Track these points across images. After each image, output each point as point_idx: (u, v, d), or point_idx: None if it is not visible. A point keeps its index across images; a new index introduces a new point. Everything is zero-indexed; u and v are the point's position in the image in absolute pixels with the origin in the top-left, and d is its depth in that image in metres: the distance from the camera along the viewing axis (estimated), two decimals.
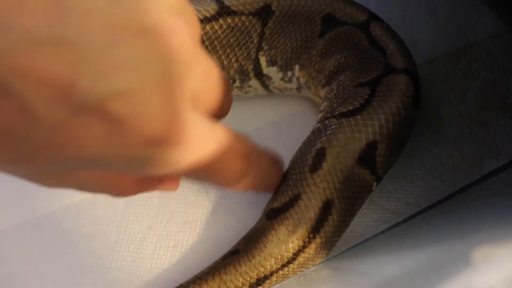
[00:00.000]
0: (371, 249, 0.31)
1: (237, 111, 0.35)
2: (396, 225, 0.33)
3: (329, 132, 0.29)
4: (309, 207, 0.28)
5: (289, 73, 0.35)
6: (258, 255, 0.27)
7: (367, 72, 0.32)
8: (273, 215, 0.28)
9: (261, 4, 0.33)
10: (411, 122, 0.31)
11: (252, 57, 0.34)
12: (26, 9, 0.15)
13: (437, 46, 0.39)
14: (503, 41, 0.39)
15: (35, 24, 0.15)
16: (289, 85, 0.35)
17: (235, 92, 0.35)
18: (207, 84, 0.22)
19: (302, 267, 0.29)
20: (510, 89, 0.37)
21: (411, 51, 0.38)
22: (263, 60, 0.34)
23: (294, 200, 0.28)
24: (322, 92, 0.34)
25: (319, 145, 0.29)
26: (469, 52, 0.39)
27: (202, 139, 0.21)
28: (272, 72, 0.35)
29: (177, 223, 0.33)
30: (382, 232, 0.32)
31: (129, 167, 0.19)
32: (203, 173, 0.22)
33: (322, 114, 0.32)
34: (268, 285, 0.28)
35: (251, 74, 0.35)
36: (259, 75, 0.35)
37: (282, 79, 0.35)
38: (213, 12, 0.32)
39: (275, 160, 0.28)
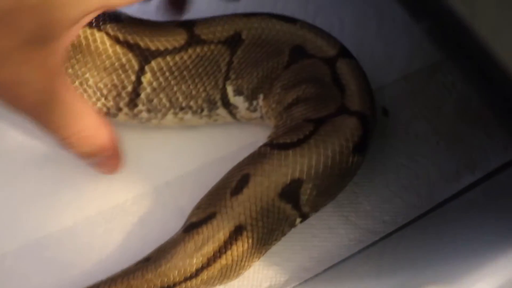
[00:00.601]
0: (348, 271, 0.32)
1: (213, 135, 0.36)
2: (373, 244, 0.33)
3: (259, 160, 0.30)
4: (220, 227, 0.28)
5: (254, 103, 0.35)
6: (164, 265, 0.28)
7: (320, 108, 0.32)
8: (189, 229, 0.29)
9: (231, 32, 0.33)
10: (350, 167, 0.30)
11: (220, 87, 0.34)
12: None
13: (413, 61, 0.39)
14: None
15: None
16: (253, 115, 0.35)
17: (204, 120, 0.35)
18: None
19: (206, 285, 0.30)
20: (485, 103, 0.37)
21: (387, 67, 0.39)
22: (230, 90, 0.34)
23: (209, 218, 0.29)
24: (276, 121, 0.34)
25: (245, 171, 0.30)
26: (444, 66, 0.39)
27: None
28: (238, 101, 0.34)
29: (153, 247, 0.33)
30: (359, 251, 0.32)
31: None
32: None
33: (268, 139, 0.32)
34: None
35: (219, 103, 0.34)
36: (226, 104, 0.35)
37: (248, 108, 0.35)
38: (182, 41, 0.32)
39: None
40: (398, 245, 0.33)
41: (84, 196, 0.35)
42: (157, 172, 0.35)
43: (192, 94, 0.34)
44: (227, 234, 0.28)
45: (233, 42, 0.33)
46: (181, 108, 0.34)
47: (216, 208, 0.29)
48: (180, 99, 0.34)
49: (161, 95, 0.33)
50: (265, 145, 0.31)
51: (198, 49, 0.32)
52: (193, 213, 0.31)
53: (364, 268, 0.32)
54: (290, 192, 0.29)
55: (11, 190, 0.35)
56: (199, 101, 0.34)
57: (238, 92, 0.34)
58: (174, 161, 0.35)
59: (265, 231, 0.30)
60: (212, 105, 0.34)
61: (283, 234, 0.31)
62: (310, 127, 0.30)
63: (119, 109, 0.33)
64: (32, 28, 0.24)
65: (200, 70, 0.33)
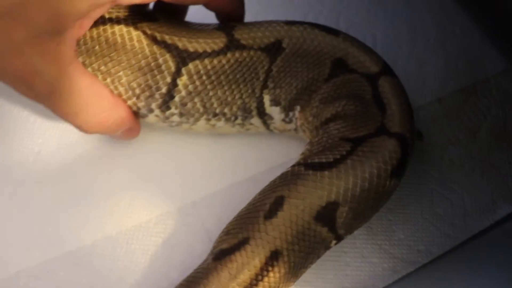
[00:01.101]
0: None
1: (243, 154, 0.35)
2: (407, 275, 0.31)
3: (293, 181, 0.28)
4: (256, 253, 0.27)
5: (290, 114, 0.33)
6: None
7: (358, 127, 0.30)
8: (220, 256, 0.27)
9: (272, 39, 0.32)
10: (386, 190, 0.29)
11: (256, 95, 0.32)
12: None
13: (447, 83, 0.38)
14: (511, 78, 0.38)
15: None
16: (288, 126, 0.34)
17: (236, 128, 0.34)
18: None
19: None
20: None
21: (420, 88, 0.37)
22: (267, 99, 0.33)
23: (242, 243, 0.27)
24: (312, 135, 0.33)
25: (279, 192, 0.28)
26: (478, 88, 0.38)
27: None
28: (274, 112, 0.33)
29: (181, 273, 0.31)
30: (393, 283, 0.31)
31: None
32: None
33: (301, 157, 0.31)
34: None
35: (254, 112, 0.33)
36: (262, 114, 0.33)
37: (283, 120, 0.34)
38: (221, 45, 0.31)
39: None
40: (432, 277, 0.32)
41: (104, 213, 0.33)
42: (183, 191, 0.33)
43: (227, 100, 0.32)
44: (263, 260, 0.27)
45: (273, 49, 0.32)
46: (215, 115, 0.33)
47: (249, 233, 0.27)
48: (215, 105, 0.32)
49: (196, 100, 0.32)
50: (299, 164, 0.29)
51: (237, 54, 0.31)
52: (221, 239, 0.29)
53: None
54: (326, 215, 0.28)
55: (28, 206, 0.33)
56: (234, 109, 0.33)
57: (275, 102, 0.33)
58: (201, 180, 0.34)
59: (301, 255, 0.28)
60: (247, 114, 0.33)
61: (318, 257, 0.29)
62: (347, 146, 0.29)
63: (151, 110, 0.32)
64: (42, 21, 0.25)
65: (238, 76, 0.32)
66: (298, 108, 0.33)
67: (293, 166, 0.30)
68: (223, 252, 0.27)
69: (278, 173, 0.30)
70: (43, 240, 0.32)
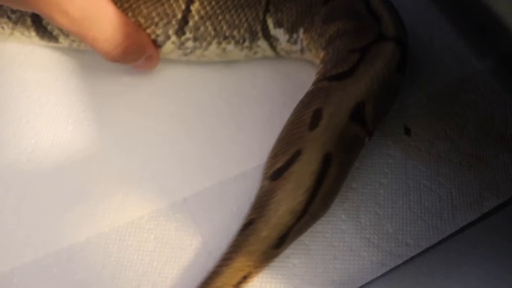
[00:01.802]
0: None
1: (233, 151, 0.36)
2: (395, 268, 0.32)
3: (323, 94, 0.32)
4: (312, 160, 0.30)
5: (295, 35, 0.37)
6: (274, 216, 0.29)
7: (361, 38, 0.34)
8: (277, 175, 0.30)
9: None
10: (396, 84, 0.34)
11: (260, 18, 0.37)
12: None
13: (434, 79, 0.38)
14: (500, 73, 0.38)
15: None
16: (294, 47, 0.38)
17: (244, 52, 0.38)
18: None
19: (314, 219, 0.31)
20: (509, 123, 0.36)
21: (408, 85, 0.38)
22: (270, 22, 0.37)
23: (296, 156, 0.30)
24: (321, 54, 0.37)
25: (315, 106, 0.31)
26: (466, 84, 0.38)
27: None
28: (279, 33, 0.37)
29: (172, 269, 0.32)
30: (382, 275, 0.31)
31: None
32: None
33: (317, 76, 0.35)
34: (286, 243, 0.30)
35: (260, 34, 0.37)
36: (267, 36, 0.37)
37: (288, 41, 0.37)
38: None
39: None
40: (420, 270, 0.32)
41: (97, 211, 0.33)
42: (174, 188, 0.34)
43: (235, 23, 0.36)
44: (320, 165, 0.29)
45: None
46: (225, 37, 0.37)
47: (299, 145, 0.30)
48: (224, 27, 0.36)
49: (207, 23, 0.36)
50: (321, 80, 0.33)
51: None
52: (271, 163, 0.31)
53: None
54: (357, 114, 0.31)
55: (21, 205, 0.33)
56: (242, 31, 0.37)
57: (278, 24, 0.37)
58: (192, 177, 0.34)
59: (347, 154, 0.32)
60: (253, 36, 0.37)
61: (357, 154, 0.33)
62: (356, 55, 0.33)
63: (168, 37, 0.36)
64: None
65: (242, 1, 0.36)
66: (301, 30, 0.37)
67: (316, 83, 0.33)
68: (279, 170, 0.30)
69: None
70: (36, 237, 0.33)
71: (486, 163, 0.35)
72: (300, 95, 0.34)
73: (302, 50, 0.38)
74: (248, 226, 0.30)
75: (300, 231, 0.31)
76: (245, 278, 0.29)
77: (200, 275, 0.30)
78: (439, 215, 0.34)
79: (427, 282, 0.32)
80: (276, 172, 0.30)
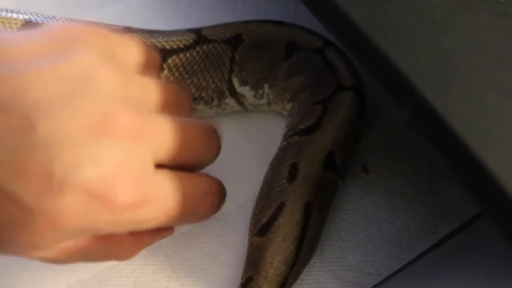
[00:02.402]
0: None
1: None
2: None
3: (296, 149, 0.35)
4: (295, 211, 0.32)
5: (260, 91, 0.40)
6: (270, 269, 0.31)
7: (322, 90, 0.37)
8: (265, 230, 0.32)
9: (233, 33, 0.39)
10: (358, 129, 0.37)
11: (226, 78, 0.40)
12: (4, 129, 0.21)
13: (388, 119, 0.42)
14: None
15: (12, 139, 0.21)
16: (260, 101, 0.41)
17: (214, 110, 0.41)
18: (170, 142, 0.25)
19: (305, 264, 0.34)
20: None
21: (364, 126, 0.41)
22: (235, 81, 0.40)
23: (280, 208, 0.33)
24: (287, 106, 0.40)
25: (290, 161, 0.34)
26: None
27: (168, 194, 0.25)
28: (245, 91, 0.40)
29: None
30: None
31: (115, 228, 0.24)
32: (182, 217, 0.26)
33: (287, 129, 0.38)
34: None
35: (227, 93, 0.40)
36: (234, 93, 0.40)
37: (254, 96, 0.41)
38: (191, 41, 0.38)
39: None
40: None
41: None
42: None
43: (203, 85, 0.39)
44: (303, 213, 0.32)
45: (234, 41, 0.39)
46: (194, 99, 0.40)
47: (282, 198, 0.33)
48: (193, 90, 0.39)
49: None
50: (291, 135, 0.36)
51: (204, 47, 0.39)
52: (257, 218, 0.33)
53: None
54: (329, 162, 0.34)
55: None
56: (210, 92, 0.40)
57: (243, 82, 0.40)
58: None
59: (325, 200, 0.35)
60: (221, 95, 0.40)
61: (334, 197, 0.36)
62: (320, 107, 0.36)
63: None
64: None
65: (207, 64, 0.39)
66: (266, 85, 0.40)
67: (287, 138, 0.36)
68: (266, 225, 0.33)
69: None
70: (19, 286, 0.34)
71: (438, 194, 0.38)
72: (265, 143, 0.37)
73: (269, 103, 0.41)
74: (248, 283, 0.32)
75: (295, 278, 0.33)
76: None
77: None
78: (398, 245, 0.36)
79: None
80: (263, 227, 0.32)
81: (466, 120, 0.19)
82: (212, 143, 0.28)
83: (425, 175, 0.39)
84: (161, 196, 0.25)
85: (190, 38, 0.39)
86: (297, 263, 0.32)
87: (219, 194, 0.29)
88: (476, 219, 0.38)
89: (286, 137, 0.37)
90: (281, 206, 0.33)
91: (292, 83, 0.39)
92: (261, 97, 0.41)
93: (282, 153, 0.36)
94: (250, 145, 0.41)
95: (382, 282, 0.35)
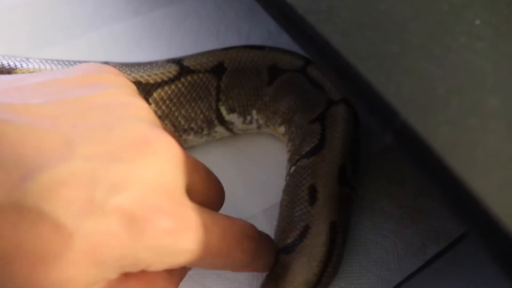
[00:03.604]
0: None
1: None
2: None
3: (309, 171, 0.35)
4: (321, 232, 0.32)
5: (248, 117, 0.41)
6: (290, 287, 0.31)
7: (314, 109, 0.38)
8: (290, 249, 0.32)
9: (215, 62, 0.39)
10: (358, 138, 0.38)
11: (214, 108, 0.40)
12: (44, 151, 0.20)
13: (373, 141, 0.42)
14: None
15: (52, 160, 0.20)
16: (250, 126, 0.41)
17: (204, 139, 0.41)
18: (198, 179, 0.26)
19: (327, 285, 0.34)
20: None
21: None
22: (223, 109, 0.40)
23: (305, 231, 0.33)
24: (280, 129, 0.40)
25: (307, 184, 0.34)
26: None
27: (207, 225, 0.24)
28: (233, 118, 0.40)
29: None
30: None
31: (155, 257, 0.22)
32: (219, 255, 0.25)
33: (290, 153, 0.38)
34: None
35: (216, 122, 0.40)
36: (223, 122, 0.40)
37: (243, 122, 0.41)
38: (175, 73, 0.38)
39: (271, 239, 0.32)
40: None
41: None
42: None
43: (191, 116, 0.39)
44: (329, 234, 0.33)
45: (217, 70, 0.39)
46: (184, 130, 0.39)
47: (306, 221, 0.33)
48: (182, 122, 0.39)
49: (166, 121, 0.38)
50: (298, 159, 0.36)
51: (189, 78, 0.39)
52: (280, 238, 0.34)
53: None
54: (343, 177, 0.35)
55: None
56: (199, 122, 0.40)
57: (231, 110, 0.40)
58: None
59: (346, 216, 0.35)
60: (210, 124, 0.40)
61: (351, 212, 0.36)
62: (318, 126, 0.37)
63: None
64: None
65: (194, 95, 0.39)
66: (254, 111, 0.40)
67: (295, 163, 0.36)
68: (291, 245, 0.33)
69: None
70: None
71: (425, 214, 0.38)
72: (251, 166, 0.37)
73: (258, 127, 0.41)
74: None
75: None
76: None
77: None
78: (386, 266, 0.36)
79: None
80: (289, 245, 0.33)
81: (448, 143, 0.19)
82: (220, 190, 0.29)
83: (412, 196, 0.39)
84: (202, 226, 0.24)
85: (173, 70, 0.39)
86: (318, 286, 0.32)
87: (257, 239, 0.28)
88: (463, 238, 0.38)
89: (293, 161, 0.37)
90: (306, 229, 0.33)
91: (281, 106, 0.40)
92: (250, 122, 0.41)
93: (295, 177, 0.36)
94: (236, 169, 0.41)
95: None
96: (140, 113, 0.24)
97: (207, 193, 0.27)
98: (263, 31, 0.48)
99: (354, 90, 0.21)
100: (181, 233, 0.22)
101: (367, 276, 0.36)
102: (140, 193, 0.21)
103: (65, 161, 0.20)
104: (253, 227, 0.28)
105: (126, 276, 0.23)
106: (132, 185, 0.21)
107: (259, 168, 0.40)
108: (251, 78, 0.40)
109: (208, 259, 0.25)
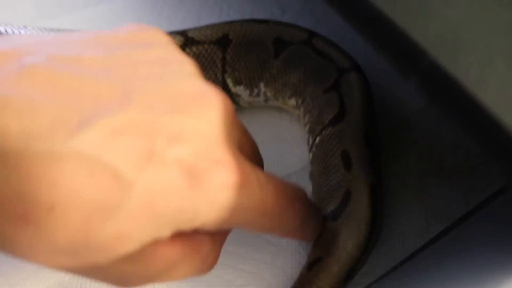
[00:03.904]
0: None
1: None
2: None
3: (337, 138, 0.35)
4: (362, 195, 0.32)
5: (256, 90, 0.40)
6: (343, 253, 0.31)
7: (326, 78, 0.38)
8: (335, 216, 0.32)
9: (220, 34, 0.39)
10: (373, 103, 0.38)
11: (220, 79, 0.40)
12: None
13: (378, 121, 0.42)
14: (433, 112, 0.42)
15: (110, 109, 0.19)
16: (256, 99, 0.41)
17: None
18: (246, 140, 0.26)
19: (372, 250, 0.33)
20: (445, 156, 0.40)
21: None
22: (229, 81, 0.40)
23: (347, 196, 0.33)
24: (290, 102, 0.40)
25: (338, 151, 0.35)
26: (404, 124, 0.42)
27: (263, 183, 0.24)
28: (239, 90, 0.40)
29: None
30: None
31: (213, 212, 0.21)
32: (272, 217, 0.25)
33: (309, 125, 0.38)
34: (352, 277, 0.32)
35: None
36: (229, 93, 0.40)
37: (250, 95, 0.40)
38: (179, 43, 0.38)
39: (317, 206, 0.31)
40: None
41: None
42: None
43: None
44: (371, 196, 0.32)
45: (223, 42, 0.39)
46: None
47: (346, 186, 0.33)
48: None
49: None
50: (323, 129, 0.36)
51: (194, 48, 0.38)
52: (322, 207, 0.33)
53: None
54: (369, 141, 0.35)
55: None
56: None
57: (237, 82, 0.40)
58: None
59: (380, 180, 0.35)
60: None
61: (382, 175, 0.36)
62: (334, 94, 0.37)
63: None
64: None
65: (199, 66, 0.37)
66: (262, 84, 0.40)
67: (319, 133, 0.36)
68: (335, 211, 0.33)
69: None
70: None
71: (429, 194, 0.38)
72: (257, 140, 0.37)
73: (266, 100, 0.41)
74: (317, 263, 0.31)
75: (363, 264, 0.33)
76: None
77: None
78: (391, 244, 0.36)
79: None
80: (334, 212, 0.33)
81: (479, 82, 0.18)
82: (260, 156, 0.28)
83: (415, 176, 0.39)
84: (258, 183, 0.23)
85: (178, 40, 0.38)
86: (368, 248, 0.32)
87: (306, 203, 0.27)
88: (467, 217, 0.37)
89: (317, 131, 0.37)
90: (347, 194, 0.33)
91: (291, 79, 0.39)
92: (257, 95, 0.40)
93: (322, 147, 0.36)
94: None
95: (376, 281, 0.34)
96: (192, 69, 0.23)
97: (253, 156, 0.27)
98: (266, 11, 0.48)
99: (379, 36, 0.21)
100: (239, 188, 0.22)
101: (373, 254, 0.35)
102: (199, 145, 0.21)
103: (123, 110, 0.19)
104: (303, 190, 0.28)
105: (173, 240, 0.22)
106: (192, 137, 0.20)
107: (265, 141, 0.39)
108: (257, 51, 0.39)
109: (261, 219, 0.24)
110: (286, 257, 0.34)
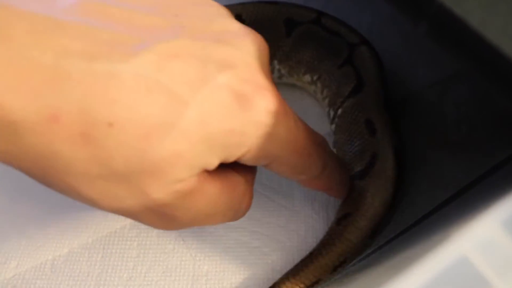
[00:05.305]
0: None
1: None
2: (364, 257, 0.35)
3: (360, 107, 0.37)
4: (388, 157, 0.34)
5: (270, 67, 0.41)
6: (371, 209, 0.33)
7: (339, 54, 0.40)
8: (362, 175, 0.34)
9: (234, 14, 0.40)
10: (383, 67, 0.40)
11: None
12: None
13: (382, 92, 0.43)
14: (435, 91, 0.44)
15: (165, 38, 0.21)
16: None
17: None
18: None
19: (395, 208, 0.35)
20: (448, 131, 0.41)
21: None
22: None
23: (373, 158, 0.34)
24: (305, 78, 0.42)
25: (362, 118, 0.36)
26: (410, 100, 0.43)
27: (297, 120, 0.25)
28: None
29: (157, 272, 0.33)
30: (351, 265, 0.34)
31: (254, 137, 0.22)
32: (301, 155, 0.26)
33: (329, 98, 0.40)
34: (378, 234, 0.34)
35: None
36: None
37: None
38: None
39: (341, 160, 0.33)
40: (381, 260, 0.35)
41: (79, 223, 0.35)
42: None
43: None
44: (395, 159, 0.34)
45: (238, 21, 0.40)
46: None
47: (372, 150, 0.35)
48: None
49: None
50: (344, 100, 0.38)
51: None
52: (348, 170, 0.35)
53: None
54: (387, 106, 0.37)
55: (2, 219, 0.34)
56: None
57: None
58: None
59: (401, 143, 0.36)
60: None
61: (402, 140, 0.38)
62: (349, 68, 0.39)
63: None
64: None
65: None
66: (276, 62, 0.42)
67: (340, 105, 0.38)
68: (364, 171, 0.34)
69: None
70: (19, 251, 0.33)
71: (432, 164, 0.40)
72: None
73: (280, 77, 0.43)
74: (346, 218, 0.33)
75: (388, 221, 0.34)
76: (342, 263, 0.33)
77: (184, 276, 0.32)
78: (401, 210, 0.37)
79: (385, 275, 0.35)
80: (361, 172, 0.34)
81: (483, 22, 0.20)
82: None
83: (420, 148, 0.40)
84: (294, 117, 0.25)
85: None
86: (393, 206, 0.34)
87: (328, 151, 0.29)
88: (469, 188, 0.39)
89: (338, 104, 0.39)
90: (374, 156, 0.34)
91: (304, 56, 0.41)
92: (271, 72, 0.42)
93: (345, 117, 0.38)
94: None
95: (386, 243, 0.35)
96: (231, 14, 0.26)
97: None
98: None
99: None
100: (280, 115, 0.23)
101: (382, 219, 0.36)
102: (245, 71, 0.22)
103: (176, 37, 0.21)
104: (325, 138, 0.30)
105: (214, 178, 0.23)
106: (238, 64, 0.22)
107: None
108: (269, 30, 0.41)
109: (292, 156, 0.25)
110: (300, 220, 0.36)
